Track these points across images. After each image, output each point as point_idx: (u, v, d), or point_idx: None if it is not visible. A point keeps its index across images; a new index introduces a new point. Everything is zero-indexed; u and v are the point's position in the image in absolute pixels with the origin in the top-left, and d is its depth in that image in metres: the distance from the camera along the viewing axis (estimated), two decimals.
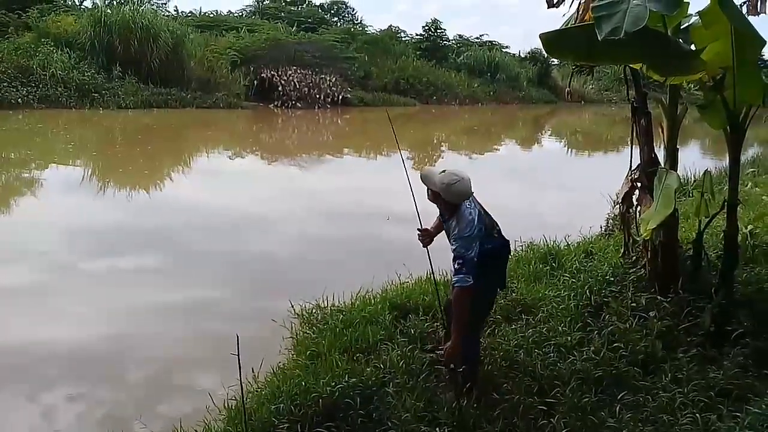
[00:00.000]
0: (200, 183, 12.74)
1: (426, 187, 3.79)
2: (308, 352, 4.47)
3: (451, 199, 3.66)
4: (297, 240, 8.37)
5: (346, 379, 3.86)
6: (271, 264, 7.38)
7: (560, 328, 4.66)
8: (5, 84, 20.72)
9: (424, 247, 4.07)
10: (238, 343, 2.99)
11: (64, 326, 5.51)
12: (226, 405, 3.83)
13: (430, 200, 3.82)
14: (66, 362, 4.89)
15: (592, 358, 4.21)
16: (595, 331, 4.59)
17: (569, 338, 4.52)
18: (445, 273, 5.71)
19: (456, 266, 3.53)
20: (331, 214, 9.84)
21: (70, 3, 30.73)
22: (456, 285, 3.53)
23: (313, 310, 5.33)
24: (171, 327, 5.60)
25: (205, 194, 11.16)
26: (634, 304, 4.96)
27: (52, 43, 23.30)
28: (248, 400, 3.76)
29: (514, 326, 4.85)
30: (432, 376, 4.04)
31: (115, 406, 4.30)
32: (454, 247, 3.59)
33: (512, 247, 6.55)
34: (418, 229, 4.07)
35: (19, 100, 20.60)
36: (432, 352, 4.34)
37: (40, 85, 21.47)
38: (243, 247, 8.05)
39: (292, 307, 5.39)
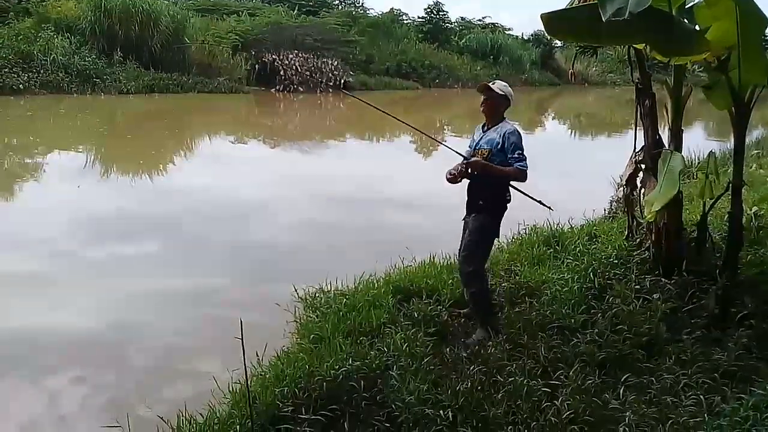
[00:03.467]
0: (202, 168, 12.72)
1: (483, 99, 4.51)
2: (312, 336, 4.48)
3: (511, 102, 4.53)
4: (300, 225, 8.37)
5: (350, 362, 3.86)
6: (273, 249, 7.38)
7: (564, 310, 4.65)
8: (6, 70, 20.63)
9: (452, 182, 4.56)
10: (242, 328, 3.00)
11: (67, 313, 5.51)
12: (230, 389, 3.84)
13: (484, 110, 4.54)
14: (69, 348, 4.90)
15: (595, 341, 4.20)
16: (599, 314, 4.59)
17: (573, 321, 4.52)
18: (448, 256, 5.73)
19: (517, 155, 4.31)
20: (334, 199, 9.82)
21: None
22: (522, 167, 4.32)
23: (317, 294, 5.34)
24: (174, 312, 5.61)
25: (208, 180, 11.14)
26: (638, 287, 4.95)
27: (53, 29, 23.17)
28: (252, 383, 3.76)
29: (517, 309, 4.86)
30: (436, 360, 4.04)
31: (119, 391, 4.32)
32: (510, 142, 4.33)
33: (516, 230, 6.63)
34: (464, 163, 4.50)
35: (21, 85, 20.52)
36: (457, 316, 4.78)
37: (42, 71, 21.37)
38: (246, 232, 8.05)
39: (296, 291, 5.39)
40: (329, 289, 5.38)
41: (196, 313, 5.58)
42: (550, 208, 4.54)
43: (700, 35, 4.15)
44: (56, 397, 4.29)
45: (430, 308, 4.74)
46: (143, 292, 5.94)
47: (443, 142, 4.60)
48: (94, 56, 23.01)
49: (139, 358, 4.81)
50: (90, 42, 23.63)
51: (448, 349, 4.22)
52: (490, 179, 4.40)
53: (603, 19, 3.51)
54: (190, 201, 9.51)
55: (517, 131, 4.43)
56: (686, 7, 4.82)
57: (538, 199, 4.59)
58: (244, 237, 7.83)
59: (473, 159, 4.40)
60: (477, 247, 4.52)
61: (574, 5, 5.02)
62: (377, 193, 10.23)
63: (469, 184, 4.57)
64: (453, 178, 4.52)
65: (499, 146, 4.37)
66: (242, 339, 3.03)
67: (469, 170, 4.42)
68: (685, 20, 4.64)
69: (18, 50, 21.45)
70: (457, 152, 4.62)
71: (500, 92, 4.46)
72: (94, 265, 6.69)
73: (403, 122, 5.26)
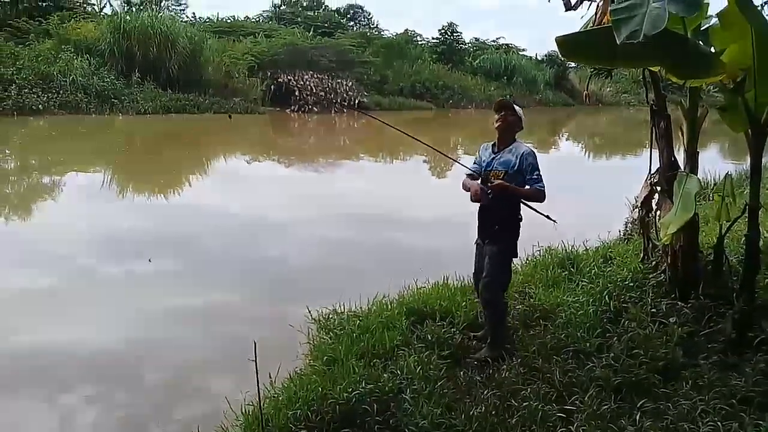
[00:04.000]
0: (218, 187, 12.81)
1: (498, 115, 4.51)
2: (325, 358, 4.46)
3: (523, 125, 4.54)
4: (314, 245, 8.38)
5: (363, 384, 3.84)
6: (288, 269, 7.39)
7: (579, 334, 4.61)
8: (26, 90, 21.00)
9: (477, 201, 4.51)
10: (255, 349, 3.00)
11: (83, 329, 5.55)
12: (243, 410, 3.83)
13: (499, 128, 4.52)
14: (84, 365, 4.93)
15: (611, 365, 4.15)
16: (615, 337, 4.53)
17: (588, 344, 4.47)
18: (462, 278, 5.71)
19: (536, 176, 4.34)
20: (348, 219, 9.84)
21: (90, 10, 31.18)
22: (541, 188, 4.36)
23: (330, 316, 5.32)
24: (189, 331, 5.62)
25: (223, 199, 11.22)
26: (654, 310, 4.89)
27: (72, 50, 23.61)
28: (265, 405, 3.75)
29: (531, 332, 4.82)
30: (449, 383, 4.01)
31: (132, 409, 4.32)
32: (528, 163, 4.36)
33: (530, 252, 6.59)
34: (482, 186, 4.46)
35: (40, 106, 20.86)
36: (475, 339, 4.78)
37: (61, 91, 21.74)
38: (260, 251, 8.07)
39: (309, 312, 5.38)
40: (343, 310, 5.36)
41: (210, 331, 5.59)
42: (554, 221, 4.49)
43: (715, 57, 4.14)
44: (70, 414, 4.30)
45: (443, 330, 4.71)
46: (158, 310, 5.97)
47: (458, 161, 4.58)
48: (113, 77, 23.40)
49: (152, 376, 4.82)
50: (109, 63, 24.05)
51: (462, 373, 4.18)
52: (506, 202, 4.39)
53: (617, 42, 3.51)
54: (206, 220, 9.57)
55: (534, 152, 4.44)
56: (701, 29, 4.81)
57: (545, 214, 4.54)
58: (258, 256, 7.86)
59: (497, 182, 4.36)
60: (499, 273, 4.51)
61: (588, 28, 5.05)
62: (391, 213, 10.24)
63: (481, 207, 4.55)
64: (477, 199, 4.49)
65: (516, 168, 4.36)
66: (255, 360, 3.03)
67: (490, 193, 4.39)
68: (701, 42, 4.63)
69: (38, 71, 21.85)
70: (475, 172, 4.58)
71: (518, 112, 4.49)
72: (110, 283, 6.74)
73: (420, 141, 5.25)
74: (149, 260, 7.25)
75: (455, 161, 4.57)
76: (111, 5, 31.99)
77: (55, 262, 7.27)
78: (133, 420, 4.17)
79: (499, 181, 4.34)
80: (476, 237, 4.69)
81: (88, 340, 5.35)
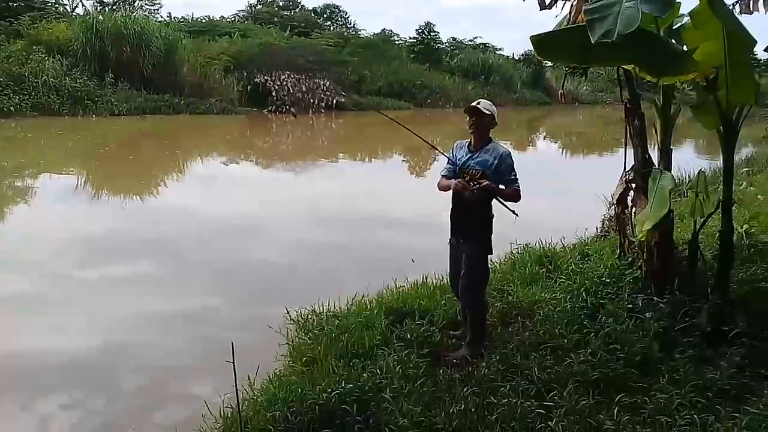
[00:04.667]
0: (194, 190, 12.71)
1: (469, 119, 4.51)
2: (304, 359, 4.45)
3: (497, 120, 4.52)
4: (292, 246, 8.35)
5: (343, 384, 3.84)
6: (266, 271, 7.35)
7: (557, 330, 4.64)
8: None
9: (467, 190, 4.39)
10: (233, 351, 2.98)
11: (59, 335, 5.46)
12: (221, 413, 3.80)
13: (473, 131, 4.52)
14: (60, 371, 4.86)
15: (589, 360, 4.19)
16: (592, 333, 4.57)
17: (566, 340, 4.50)
18: (440, 276, 5.72)
19: (513, 176, 4.40)
20: (327, 220, 9.82)
21: (61, 10, 30.75)
22: (518, 188, 4.41)
23: (309, 316, 5.30)
24: (166, 335, 5.57)
25: (200, 201, 11.13)
26: (630, 306, 4.95)
27: (44, 51, 23.29)
28: (244, 407, 3.73)
29: (510, 329, 4.84)
30: (429, 381, 4.01)
31: (109, 415, 4.27)
32: (507, 164, 4.39)
33: (508, 250, 6.63)
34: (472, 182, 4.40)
35: (12, 108, 20.55)
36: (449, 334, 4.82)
37: (33, 93, 21.42)
38: (238, 254, 8.02)
39: (288, 313, 5.36)
40: (322, 310, 5.35)
41: (187, 334, 5.55)
42: (515, 214, 4.49)
43: (688, 55, 4.19)
44: (47, 421, 4.24)
45: (423, 329, 4.72)
46: (135, 314, 5.90)
47: (452, 159, 4.53)
48: (86, 78, 23.11)
49: (130, 380, 4.76)
50: (81, 64, 23.75)
51: (441, 371, 4.19)
52: (484, 200, 4.41)
53: (592, 41, 3.54)
54: (182, 222, 9.48)
55: (510, 153, 4.47)
56: (674, 28, 4.88)
57: (509, 207, 4.50)
58: (236, 258, 7.80)
59: (485, 183, 4.32)
60: (478, 272, 4.52)
61: (563, 27, 5.09)
62: (369, 213, 10.24)
63: (455, 207, 4.56)
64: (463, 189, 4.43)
65: (494, 168, 4.38)
66: (233, 362, 3.01)
67: (474, 192, 4.37)
68: (673, 41, 4.69)
69: (9, 72, 21.53)
70: (450, 172, 4.58)
71: (487, 111, 4.48)
72: (85, 287, 6.66)
73: (429, 144, 5.17)
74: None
75: (450, 160, 4.50)
76: (83, 5, 31.66)
77: (29, 267, 7.16)
78: (110, 425, 4.12)
79: (487, 182, 4.34)
80: (449, 237, 4.69)
81: (64, 345, 5.27)
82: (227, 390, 3.55)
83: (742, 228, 6.17)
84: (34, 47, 23.38)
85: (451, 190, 4.49)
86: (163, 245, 8.28)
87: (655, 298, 4.98)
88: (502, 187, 4.39)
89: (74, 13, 30.08)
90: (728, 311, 4.63)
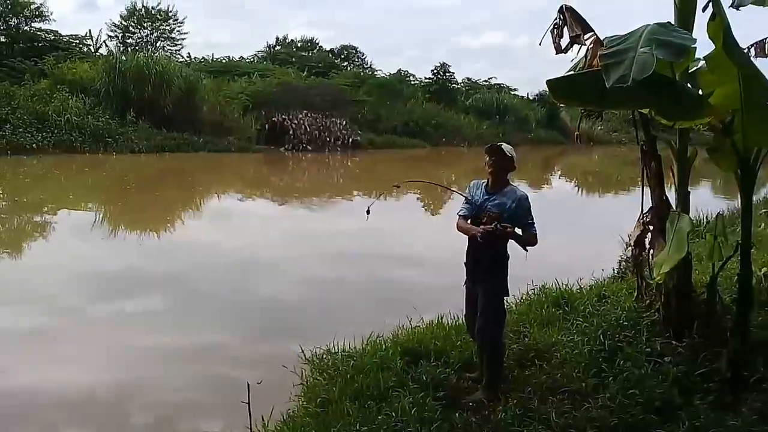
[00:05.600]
0: (211, 226, 12.80)
1: (489, 159, 4.47)
2: (318, 400, 4.40)
3: (516, 164, 4.49)
4: (307, 284, 8.35)
5: (357, 427, 3.80)
6: (281, 308, 7.35)
7: (574, 374, 4.58)
8: (21, 129, 21.12)
9: (485, 238, 4.32)
10: (249, 391, 2.97)
11: (71, 370, 5.47)
12: None
13: (491, 171, 4.48)
14: (70, 407, 4.86)
15: (607, 405, 4.12)
16: (610, 377, 4.50)
17: (584, 384, 4.44)
18: (456, 317, 5.68)
19: (530, 220, 4.40)
20: (342, 258, 9.83)
21: (85, 50, 31.49)
22: (535, 232, 4.40)
23: (324, 356, 5.27)
24: (179, 372, 5.56)
25: (216, 237, 11.20)
26: (648, 349, 4.87)
27: (68, 90, 23.83)
28: None
29: (527, 372, 4.78)
30: (445, 424, 3.96)
31: None
32: (525, 208, 4.38)
33: (524, 290, 6.58)
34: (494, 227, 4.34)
35: (35, 145, 20.95)
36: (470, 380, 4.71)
37: (55, 131, 21.86)
38: (253, 290, 8.03)
39: (303, 352, 5.33)
40: (337, 350, 5.31)
41: (201, 371, 5.53)
42: (525, 249, 4.44)
43: (704, 100, 4.21)
44: None
45: (438, 371, 4.67)
46: (149, 350, 5.90)
47: (467, 197, 4.51)
48: (108, 116, 23.55)
49: (141, 417, 4.75)
50: (104, 103, 24.25)
51: (457, 414, 4.14)
52: (501, 243, 4.38)
53: (607, 86, 3.57)
54: (198, 258, 9.54)
55: (528, 197, 4.47)
56: (689, 72, 4.91)
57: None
58: (251, 294, 7.81)
59: (509, 228, 4.31)
60: (495, 314, 4.48)
61: (578, 70, 5.13)
62: (385, 251, 10.22)
63: (471, 249, 4.53)
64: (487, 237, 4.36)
65: (512, 211, 4.36)
66: (249, 403, 3.00)
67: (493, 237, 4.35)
68: (689, 85, 4.72)
69: (33, 111, 22.01)
70: (469, 213, 4.55)
71: (509, 154, 4.46)
72: (99, 322, 6.69)
73: (449, 188, 5.25)
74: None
75: (467, 199, 4.47)
76: (106, 45, 32.42)
77: (44, 301, 7.21)
78: None
79: (507, 225, 4.30)
80: (465, 279, 4.66)
81: (76, 381, 5.27)
82: (239, 429, 3.52)
83: (761, 271, 6.11)
84: (58, 86, 23.95)
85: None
86: (177, 281, 8.32)
87: (673, 342, 4.91)
88: (518, 231, 4.38)
89: (98, 53, 30.80)
90: (748, 356, 4.55)
